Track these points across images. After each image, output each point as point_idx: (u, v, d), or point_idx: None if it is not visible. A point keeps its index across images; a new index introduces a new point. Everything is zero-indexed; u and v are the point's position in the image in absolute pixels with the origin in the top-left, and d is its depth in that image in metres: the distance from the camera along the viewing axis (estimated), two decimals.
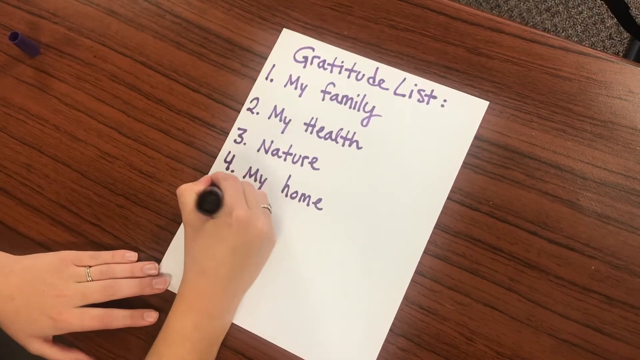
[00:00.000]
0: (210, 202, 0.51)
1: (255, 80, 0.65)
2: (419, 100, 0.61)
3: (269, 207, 0.58)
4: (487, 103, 0.59)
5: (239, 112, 0.64)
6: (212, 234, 0.53)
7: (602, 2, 1.43)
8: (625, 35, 1.44)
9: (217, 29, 0.67)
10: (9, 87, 0.69)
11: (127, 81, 0.67)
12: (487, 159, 0.58)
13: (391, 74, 0.62)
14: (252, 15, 0.67)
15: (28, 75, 0.69)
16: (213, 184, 0.57)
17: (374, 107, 0.62)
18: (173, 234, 0.61)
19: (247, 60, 0.65)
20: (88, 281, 0.57)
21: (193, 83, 0.66)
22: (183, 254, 0.60)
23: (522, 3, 1.51)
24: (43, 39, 0.70)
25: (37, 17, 0.71)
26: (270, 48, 0.65)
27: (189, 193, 0.54)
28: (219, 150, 0.63)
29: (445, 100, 0.61)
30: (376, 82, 0.63)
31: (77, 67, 0.68)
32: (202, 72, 0.66)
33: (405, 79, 0.62)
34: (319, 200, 0.60)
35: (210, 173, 0.62)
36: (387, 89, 0.62)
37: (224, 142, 0.63)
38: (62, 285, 0.56)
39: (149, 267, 0.60)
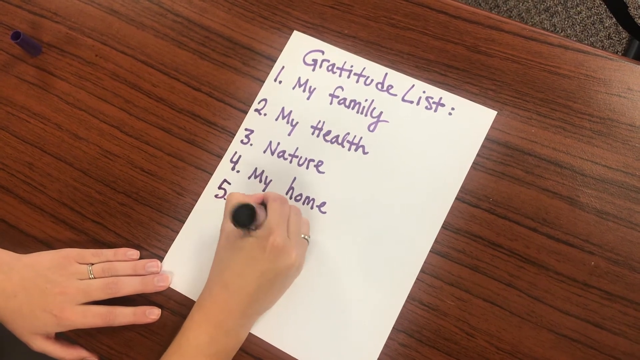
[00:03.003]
0: (242, 215, 0.49)
1: (256, 78, 0.65)
2: (426, 108, 0.61)
3: (308, 238, 0.58)
4: (494, 112, 0.59)
5: (239, 110, 0.64)
6: (244, 251, 0.53)
7: (601, 1, 1.43)
8: (623, 35, 1.44)
9: (218, 28, 0.67)
10: (11, 86, 0.69)
11: (128, 80, 0.67)
12: (487, 156, 0.58)
13: (400, 80, 0.62)
14: (253, 14, 0.67)
15: (30, 74, 0.69)
16: (264, 202, 0.56)
17: (381, 112, 0.62)
18: (175, 231, 0.62)
19: (248, 59, 0.66)
20: (90, 279, 0.58)
21: (194, 81, 0.66)
22: (185, 253, 0.61)
23: (521, 3, 1.51)
24: (45, 38, 0.70)
25: (39, 17, 0.71)
26: (271, 47, 0.66)
27: (235, 202, 0.54)
28: (220, 148, 0.63)
29: (453, 109, 0.61)
30: (385, 88, 0.63)
31: (78, 66, 0.69)
32: (203, 71, 0.66)
33: (414, 85, 0.62)
34: (323, 203, 0.60)
35: (213, 171, 0.63)
36: (396, 95, 0.62)
37: (225, 140, 0.64)
38: (64, 283, 0.56)
39: (151, 264, 0.60)
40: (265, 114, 0.64)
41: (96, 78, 0.68)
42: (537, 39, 0.61)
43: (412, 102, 0.62)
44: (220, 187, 0.62)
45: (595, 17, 1.47)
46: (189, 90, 0.66)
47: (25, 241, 0.64)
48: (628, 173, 0.56)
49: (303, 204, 0.61)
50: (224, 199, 0.62)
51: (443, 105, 0.61)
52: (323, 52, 0.65)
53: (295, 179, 0.62)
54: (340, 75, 0.64)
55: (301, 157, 0.62)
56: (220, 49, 0.67)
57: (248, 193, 0.61)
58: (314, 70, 0.65)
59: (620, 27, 1.44)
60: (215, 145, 0.64)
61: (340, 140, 0.62)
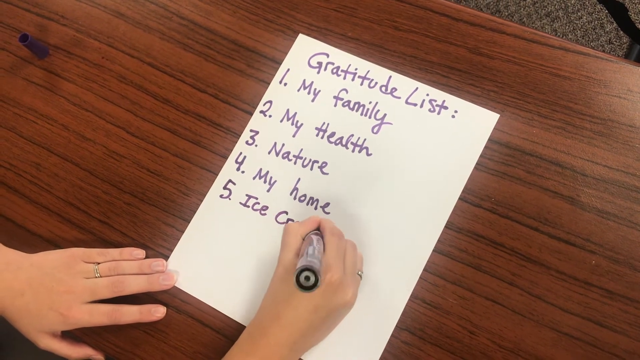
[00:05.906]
0: (306, 280, 0.46)
1: (260, 80, 0.66)
2: (430, 110, 0.62)
3: (361, 274, 0.57)
4: (497, 116, 0.60)
5: (244, 111, 0.65)
6: None
7: (602, 6, 1.44)
8: (624, 40, 1.45)
9: (223, 31, 0.68)
10: (18, 88, 0.70)
11: (134, 82, 0.68)
12: (489, 156, 0.59)
13: (403, 82, 0.63)
14: (258, 17, 0.68)
15: (37, 76, 0.70)
16: (318, 228, 0.56)
17: (385, 114, 0.63)
18: (180, 231, 0.62)
19: (253, 61, 0.67)
20: (96, 277, 0.58)
21: (199, 83, 0.67)
22: (191, 252, 0.61)
23: (522, 8, 1.52)
24: (52, 41, 0.71)
25: (47, 20, 0.72)
26: (276, 49, 0.67)
27: (294, 235, 0.54)
28: (225, 149, 0.64)
29: (456, 111, 0.61)
30: (388, 91, 0.63)
31: (85, 68, 0.70)
32: (209, 73, 0.67)
33: (417, 88, 0.63)
34: (327, 204, 0.61)
35: (218, 171, 0.63)
36: (399, 98, 0.63)
37: (230, 141, 0.64)
38: (70, 282, 0.57)
39: (157, 264, 0.61)
40: (270, 116, 0.65)
41: (103, 80, 0.69)
42: (538, 41, 0.62)
43: (415, 104, 0.62)
44: (225, 188, 0.63)
45: (596, 22, 1.48)
46: (195, 92, 0.67)
47: (32, 240, 0.64)
48: (628, 173, 0.56)
49: (307, 204, 0.61)
50: (229, 199, 0.62)
51: (446, 108, 0.62)
52: (328, 55, 0.66)
53: (299, 179, 0.62)
54: (344, 78, 0.65)
55: (305, 159, 0.63)
56: (225, 51, 0.67)
57: (255, 194, 0.62)
58: (318, 72, 0.65)
59: (621, 32, 1.44)
60: (220, 146, 0.64)
61: (344, 142, 0.63)
